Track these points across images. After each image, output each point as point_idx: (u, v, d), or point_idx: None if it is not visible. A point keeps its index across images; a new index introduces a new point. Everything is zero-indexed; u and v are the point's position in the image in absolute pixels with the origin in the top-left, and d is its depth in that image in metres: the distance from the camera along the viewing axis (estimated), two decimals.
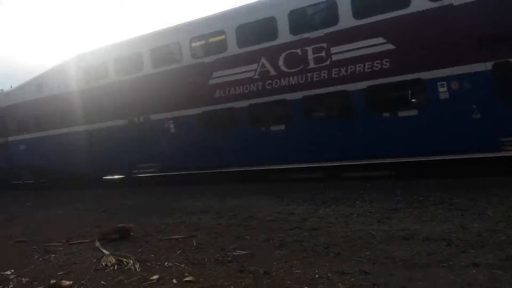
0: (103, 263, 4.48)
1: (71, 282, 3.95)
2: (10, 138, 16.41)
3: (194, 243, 5.10)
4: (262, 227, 5.76)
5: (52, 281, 4.01)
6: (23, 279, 4.32)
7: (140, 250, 5.02)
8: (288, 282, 3.50)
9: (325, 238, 4.83)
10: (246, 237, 5.22)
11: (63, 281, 4.00)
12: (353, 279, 3.42)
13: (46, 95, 14.84)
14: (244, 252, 4.50)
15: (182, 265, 4.21)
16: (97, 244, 5.44)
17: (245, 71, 10.65)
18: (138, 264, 4.31)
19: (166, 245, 5.15)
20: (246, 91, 10.68)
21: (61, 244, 5.80)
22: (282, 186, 9.90)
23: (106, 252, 4.87)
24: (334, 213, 6.18)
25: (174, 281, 3.74)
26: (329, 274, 3.56)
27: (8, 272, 4.59)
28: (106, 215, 8.13)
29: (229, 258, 4.34)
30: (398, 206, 6.23)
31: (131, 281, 3.86)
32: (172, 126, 12.15)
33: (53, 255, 5.19)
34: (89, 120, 13.69)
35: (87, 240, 5.85)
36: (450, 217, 5.31)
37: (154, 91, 12.25)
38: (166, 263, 4.32)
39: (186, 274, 3.89)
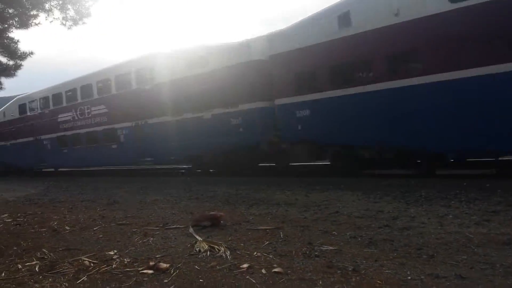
0: (196, 249, 4.71)
1: (168, 265, 4.21)
2: (279, 101, 12.42)
3: (281, 235, 5.17)
4: (349, 223, 5.68)
5: (151, 263, 4.30)
6: (125, 259, 4.65)
7: (230, 238, 5.20)
8: (378, 281, 3.42)
9: (417, 238, 4.65)
10: (333, 232, 5.18)
11: (161, 263, 4.26)
12: (448, 283, 3.26)
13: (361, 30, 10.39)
14: (332, 248, 4.48)
15: (270, 256, 4.30)
16: (191, 230, 5.74)
17: None
18: (228, 252, 4.48)
19: (254, 235, 5.29)
20: None
21: (158, 228, 6.20)
22: (368, 182, 9.67)
23: (199, 238, 5.11)
24: (427, 213, 5.91)
25: (263, 271, 3.83)
26: (422, 277, 3.42)
27: (112, 252, 5.00)
28: (198, 202, 8.53)
29: (316, 253, 4.34)
30: (498, 208, 5.80)
31: (222, 267, 4.01)
32: None
33: (151, 238, 5.56)
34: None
35: (181, 226, 6.19)
36: None
37: None
38: (255, 253, 4.44)
39: (275, 265, 3.96)
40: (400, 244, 4.47)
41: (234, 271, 3.89)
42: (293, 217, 6.33)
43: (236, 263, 4.13)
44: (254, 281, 3.60)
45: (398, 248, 4.36)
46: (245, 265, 4.00)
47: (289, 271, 3.80)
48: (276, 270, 3.83)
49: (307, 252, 4.38)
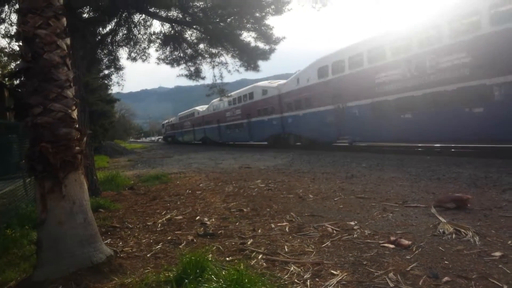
0: (440, 230, 4.53)
1: (410, 242, 4.19)
2: None
3: None
4: None
5: (392, 238, 4.35)
6: (365, 231, 4.84)
7: (478, 223, 4.79)
8: None
9: None
10: None
11: (402, 239, 4.27)
12: None
13: None
14: None
15: None
16: (433, 210, 5.52)
17: None
18: (477, 237, 4.16)
19: (508, 223, 4.73)
20: None
21: (397, 205, 6.19)
22: None
23: (443, 220, 4.89)
24: None
25: None
26: None
27: (352, 223, 5.26)
28: (439, 182, 8.07)
29: None
30: None
31: (470, 253, 3.76)
32: None
33: (391, 214, 5.61)
34: None
35: (422, 205, 6.01)
36: None
37: None
38: (510, 242, 3.99)
39: None
40: None
41: (484, 258, 3.61)
42: None
43: (486, 250, 3.82)
44: (508, 271, 3.27)
45: None
46: (498, 254, 3.66)
47: None
48: None
49: None
